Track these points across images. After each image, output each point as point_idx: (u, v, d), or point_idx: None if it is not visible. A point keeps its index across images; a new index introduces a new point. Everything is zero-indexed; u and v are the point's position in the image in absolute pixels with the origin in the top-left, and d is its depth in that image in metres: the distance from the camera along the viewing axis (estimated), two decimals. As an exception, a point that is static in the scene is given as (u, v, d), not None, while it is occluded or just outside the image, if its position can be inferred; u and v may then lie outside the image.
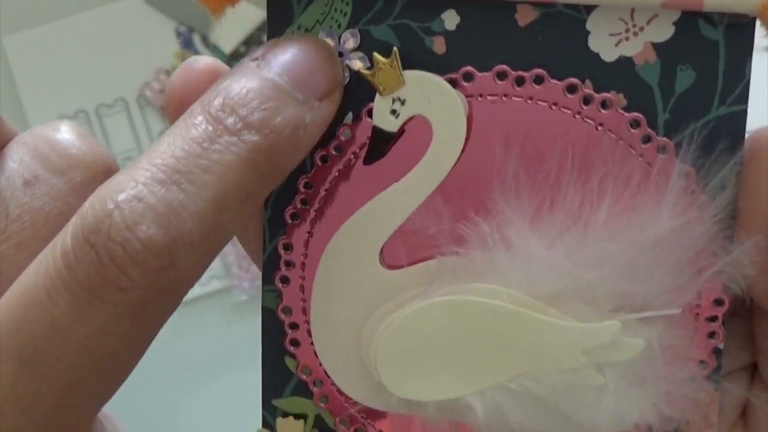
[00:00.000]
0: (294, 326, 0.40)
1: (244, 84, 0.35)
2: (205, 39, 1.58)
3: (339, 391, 0.40)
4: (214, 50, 1.55)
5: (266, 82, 0.35)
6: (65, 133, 0.37)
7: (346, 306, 0.39)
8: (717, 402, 0.39)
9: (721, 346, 0.38)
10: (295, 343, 0.40)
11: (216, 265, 1.54)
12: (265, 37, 1.46)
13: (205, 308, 1.54)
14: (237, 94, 0.34)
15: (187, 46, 1.59)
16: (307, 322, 0.40)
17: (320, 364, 0.40)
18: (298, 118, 0.35)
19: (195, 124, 0.34)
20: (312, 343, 0.40)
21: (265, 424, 0.41)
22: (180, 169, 0.33)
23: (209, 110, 0.34)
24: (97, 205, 0.32)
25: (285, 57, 0.36)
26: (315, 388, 0.40)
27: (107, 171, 0.36)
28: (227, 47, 1.56)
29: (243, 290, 1.55)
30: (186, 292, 0.34)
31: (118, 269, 0.32)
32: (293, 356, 0.40)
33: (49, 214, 0.35)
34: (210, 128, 0.34)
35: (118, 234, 0.32)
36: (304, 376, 0.40)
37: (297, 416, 0.40)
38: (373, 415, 0.40)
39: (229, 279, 1.55)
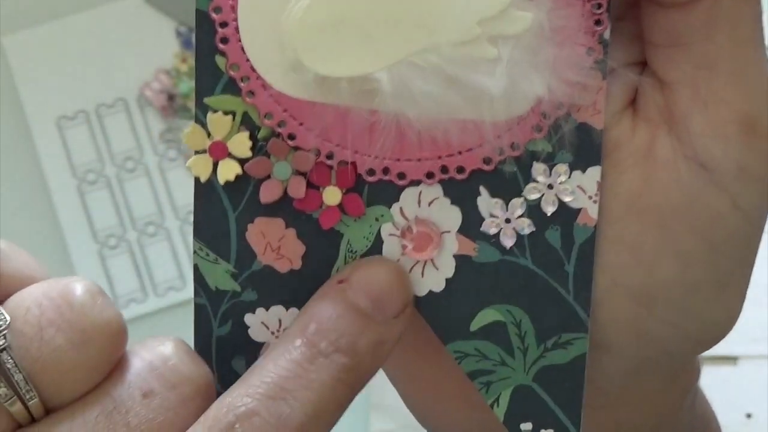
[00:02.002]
0: (224, 24, 0.41)
1: (333, 310, 0.40)
2: None
3: (264, 85, 0.42)
4: (214, 50, 1.47)
5: (351, 309, 0.40)
6: (174, 350, 0.40)
7: None
8: (605, 90, 0.41)
9: (606, 36, 0.41)
10: (224, 40, 0.42)
11: None
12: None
13: None
14: (327, 320, 0.40)
15: (187, 46, 1.57)
16: (236, 20, 0.41)
17: (247, 60, 0.42)
18: (377, 338, 0.40)
19: (295, 347, 0.40)
20: (239, 40, 0.42)
21: (197, 120, 0.42)
22: (286, 387, 0.38)
23: (306, 335, 0.40)
24: (222, 416, 0.38)
25: (368, 282, 0.41)
26: (242, 84, 0.42)
27: (208, 386, 0.40)
28: (227, 47, 1.48)
29: None
30: None
31: None
32: (223, 54, 0.42)
33: (162, 423, 0.38)
34: (307, 351, 0.39)
35: None
36: (233, 73, 0.42)
37: (226, 112, 0.42)
38: (294, 107, 0.42)
39: None
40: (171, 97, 1.54)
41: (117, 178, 1.57)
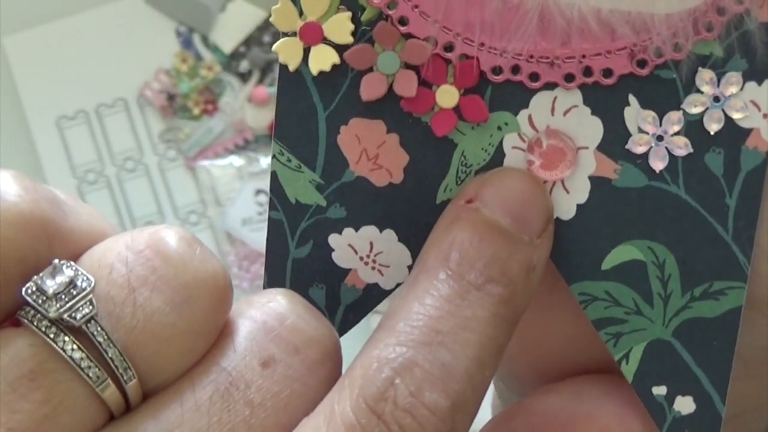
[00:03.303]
0: None
1: (472, 234, 0.34)
2: (205, 39, 1.56)
3: None
4: (215, 50, 1.46)
5: (493, 228, 0.34)
6: (290, 306, 0.33)
7: None
8: None
9: None
10: None
11: None
12: (265, 37, 1.33)
13: None
14: (470, 245, 0.33)
15: (187, 46, 1.55)
16: None
17: None
18: (529, 260, 0.34)
19: (440, 281, 0.33)
20: None
21: None
22: (441, 329, 0.32)
23: (449, 266, 0.33)
24: (375, 374, 0.31)
25: (504, 197, 0.34)
26: None
27: (336, 347, 0.33)
28: (227, 47, 1.47)
29: (243, 290, 1.51)
30: None
31: None
32: None
33: (289, 397, 0.31)
34: (456, 285, 0.33)
35: (404, 402, 0.30)
36: None
37: None
38: None
39: None
40: (171, 97, 1.51)
41: (117, 178, 1.54)
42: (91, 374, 0.29)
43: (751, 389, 0.39)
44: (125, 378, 0.30)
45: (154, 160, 1.52)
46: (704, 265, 0.35)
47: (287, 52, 0.35)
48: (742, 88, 0.34)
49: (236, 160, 1.48)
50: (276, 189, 0.36)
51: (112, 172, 1.52)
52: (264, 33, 1.49)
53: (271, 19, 0.35)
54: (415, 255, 0.36)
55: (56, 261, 0.30)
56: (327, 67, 0.34)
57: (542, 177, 0.35)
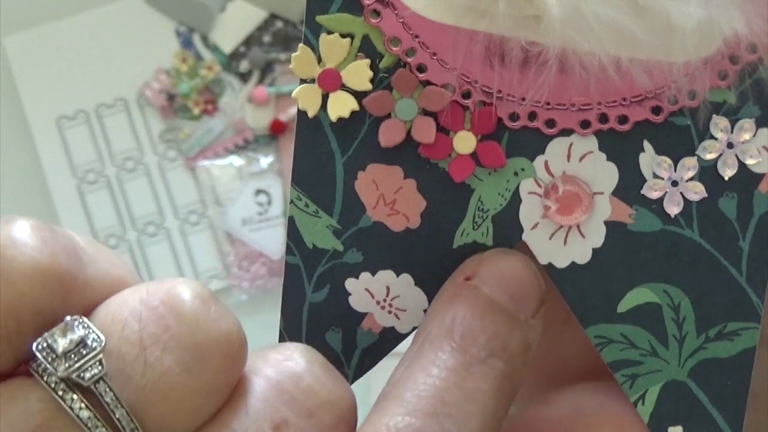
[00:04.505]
0: None
1: (474, 310, 0.34)
2: (205, 39, 1.55)
3: (393, 3, 0.35)
4: (215, 50, 1.47)
5: (493, 306, 0.34)
6: (307, 366, 0.33)
7: None
8: None
9: None
10: None
11: (216, 265, 1.51)
12: (265, 37, 1.33)
13: None
14: (473, 321, 0.34)
15: (187, 46, 1.55)
16: None
17: None
18: (526, 339, 0.35)
19: (444, 352, 0.33)
20: None
21: (306, 42, 0.35)
22: (447, 400, 0.32)
23: (454, 339, 0.33)
24: None
25: (502, 276, 0.35)
26: (366, 1, 0.35)
27: (352, 410, 0.33)
28: (227, 47, 1.49)
29: (243, 290, 1.51)
30: None
31: None
32: None
33: None
34: (461, 357, 0.33)
35: None
36: None
37: (342, 35, 0.35)
38: (429, 33, 0.35)
39: (229, 279, 1.51)
40: (171, 97, 1.50)
41: (117, 178, 1.53)
42: None
43: (760, 419, 0.40)
44: None
45: (154, 160, 1.52)
46: (719, 307, 0.36)
47: (306, 98, 0.35)
48: (755, 135, 0.34)
49: (236, 160, 1.48)
50: (293, 234, 0.37)
51: (112, 172, 1.52)
52: (264, 33, 1.49)
53: (290, 67, 0.35)
54: (431, 299, 0.36)
55: (68, 318, 0.30)
56: (346, 114, 0.35)
57: (558, 222, 0.35)
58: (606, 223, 0.35)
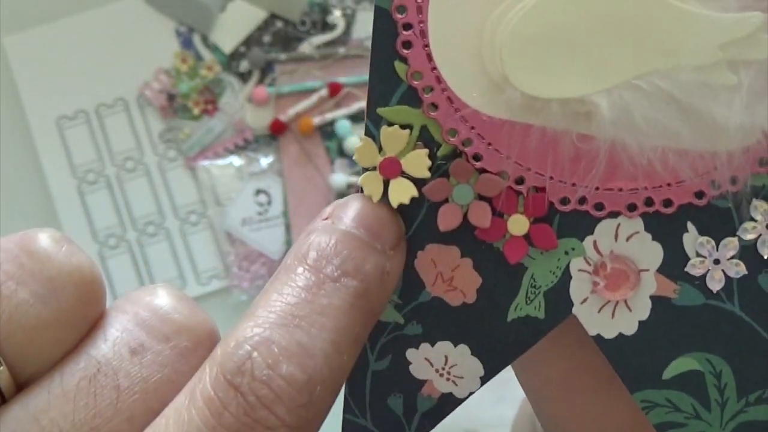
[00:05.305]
0: (407, 26, 0.37)
1: (329, 238, 0.35)
2: (204, 39, 1.54)
3: (450, 98, 0.37)
4: (215, 50, 1.47)
5: (348, 234, 0.36)
6: (165, 298, 0.34)
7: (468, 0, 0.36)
8: None
9: None
10: (407, 45, 0.37)
11: (216, 265, 1.51)
12: (265, 37, 1.34)
13: (205, 308, 1.38)
14: (327, 246, 0.35)
15: (187, 46, 1.54)
16: (422, 22, 0.37)
17: (433, 69, 0.37)
18: (382, 265, 0.36)
19: (297, 274, 0.34)
20: (426, 46, 0.37)
21: (368, 133, 0.37)
22: (298, 314, 0.33)
23: (307, 262, 0.35)
24: (233, 350, 0.32)
25: (357, 214, 0.37)
26: (425, 95, 0.37)
27: (210, 335, 0.34)
28: (227, 47, 1.50)
29: (243, 290, 1.50)
30: None
31: (266, 408, 0.31)
32: (404, 60, 0.37)
33: (159, 382, 0.33)
34: (313, 277, 0.34)
35: (261, 374, 0.31)
36: (415, 82, 0.37)
37: (402, 126, 0.37)
38: (484, 126, 0.37)
39: (229, 279, 1.51)
40: (171, 97, 1.50)
41: (117, 178, 1.53)
42: None
43: None
44: None
45: (154, 160, 1.52)
46: (758, 374, 0.37)
47: (370, 185, 0.37)
48: None
49: (236, 160, 1.48)
50: None
51: (112, 172, 1.52)
52: (264, 33, 1.49)
53: (354, 158, 0.37)
54: (487, 367, 0.38)
55: None
56: (406, 200, 0.36)
57: (607, 297, 0.37)
58: (651, 297, 0.37)
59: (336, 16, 1.49)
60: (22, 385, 0.32)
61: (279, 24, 1.50)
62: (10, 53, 1.52)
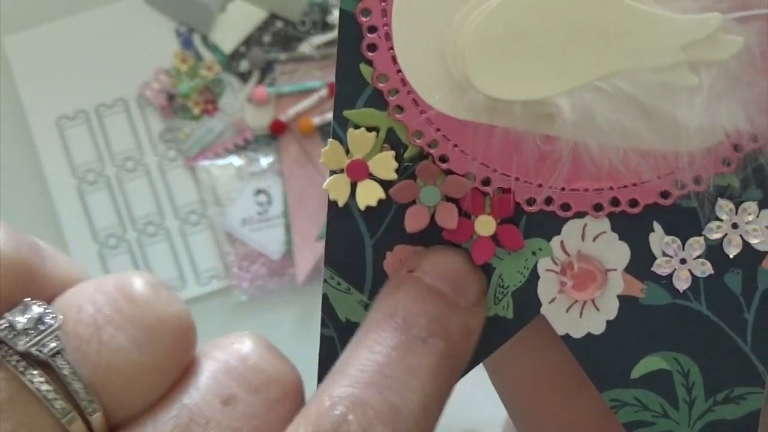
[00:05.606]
0: (372, 29, 0.37)
1: (416, 295, 0.36)
2: (204, 39, 1.54)
3: (415, 100, 0.37)
4: (214, 50, 1.47)
5: (433, 293, 0.36)
6: (254, 347, 0.35)
7: (431, 2, 0.37)
8: None
9: None
10: (372, 47, 0.37)
11: (216, 265, 1.51)
12: (265, 37, 1.34)
13: (205, 308, 1.50)
14: (415, 305, 0.35)
15: (187, 46, 1.54)
16: (387, 25, 0.37)
17: (398, 72, 0.37)
18: (465, 324, 0.36)
19: (388, 333, 0.35)
20: (390, 48, 0.37)
21: (335, 135, 0.38)
22: (389, 374, 0.33)
23: (396, 321, 0.35)
24: (328, 411, 0.32)
25: (442, 268, 0.37)
26: (390, 98, 0.37)
27: (297, 386, 0.35)
28: (227, 47, 1.50)
29: (243, 290, 1.51)
30: None
31: None
32: (369, 63, 0.37)
33: None
34: (403, 337, 0.34)
35: None
36: (380, 85, 0.37)
37: (369, 128, 0.37)
38: (450, 127, 0.37)
39: (229, 279, 1.51)
40: (171, 97, 1.50)
41: (117, 178, 1.53)
42: (57, 406, 0.31)
43: None
44: (89, 410, 0.31)
45: (154, 160, 1.52)
46: (725, 373, 0.38)
47: (336, 188, 0.37)
48: (758, 216, 0.36)
49: (236, 160, 1.48)
50: (327, 309, 0.39)
51: (112, 172, 1.52)
52: (264, 33, 1.50)
53: (321, 160, 0.37)
54: None
55: (26, 299, 0.32)
56: (374, 203, 0.37)
57: (574, 297, 0.37)
58: (619, 297, 0.37)
59: (336, 16, 1.49)
60: (114, 429, 0.32)
61: (279, 24, 1.50)
62: (10, 53, 1.53)
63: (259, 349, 0.35)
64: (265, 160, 1.48)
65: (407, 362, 0.34)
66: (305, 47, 1.49)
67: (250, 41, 1.51)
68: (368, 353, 0.34)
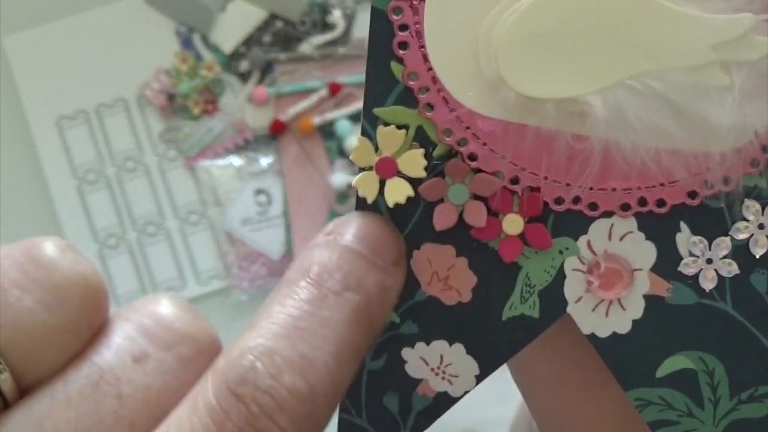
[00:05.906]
0: (403, 27, 0.37)
1: (331, 254, 0.36)
2: (204, 39, 1.54)
3: (446, 98, 0.37)
4: (214, 50, 1.47)
5: (351, 252, 0.36)
6: (167, 307, 0.35)
7: (463, 1, 0.37)
8: None
9: None
10: (403, 45, 0.37)
11: (216, 265, 1.52)
12: (265, 37, 1.34)
13: (205, 308, 1.50)
14: (329, 261, 0.36)
15: (187, 46, 1.55)
16: (418, 23, 0.37)
17: (429, 70, 0.37)
18: (383, 280, 0.36)
19: (300, 287, 0.35)
20: (422, 46, 0.37)
21: (364, 133, 0.38)
22: (300, 325, 0.33)
23: (310, 276, 0.35)
24: (236, 360, 0.32)
25: (360, 230, 0.37)
26: (420, 96, 0.37)
27: (212, 344, 0.35)
28: (227, 47, 1.50)
29: (243, 290, 1.51)
30: None
31: (268, 418, 0.32)
32: (400, 60, 0.37)
33: (161, 390, 0.33)
34: (315, 291, 0.35)
35: (264, 384, 0.32)
36: (411, 82, 0.37)
37: (398, 126, 0.37)
38: (479, 126, 0.37)
39: (229, 279, 1.51)
40: (171, 97, 1.51)
41: (117, 178, 1.53)
42: None
43: None
44: None
45: (154, 160, 1.52)
46: (750, 373, 0.38)
47: (365, 186, 0.37)
48: None
49: (236, 160, 1.48)
50: None
51: (112, 172, 1.52)
52: (264, 33, 1.50)
53: (350, 157, 0.37)
54: (482, 366, 0.39)
55: None
56: (402, 200, 0.37)
57: (601, 296, 0.37)
58: (645, 296, 0.37)
59: (336, 16, 1.49)
60: (25, 390, 0.32)
61: (279, 24, 1.50)
62: (10, 53, 1.53)
63: (173, 308, 0.35)
64: (265, 160, 1.49)
65: (320, 314, 0.34)
66: (305, 47, 1.49)
67: (250, 41, 1.52)
68: (280, 307, 0.34)
